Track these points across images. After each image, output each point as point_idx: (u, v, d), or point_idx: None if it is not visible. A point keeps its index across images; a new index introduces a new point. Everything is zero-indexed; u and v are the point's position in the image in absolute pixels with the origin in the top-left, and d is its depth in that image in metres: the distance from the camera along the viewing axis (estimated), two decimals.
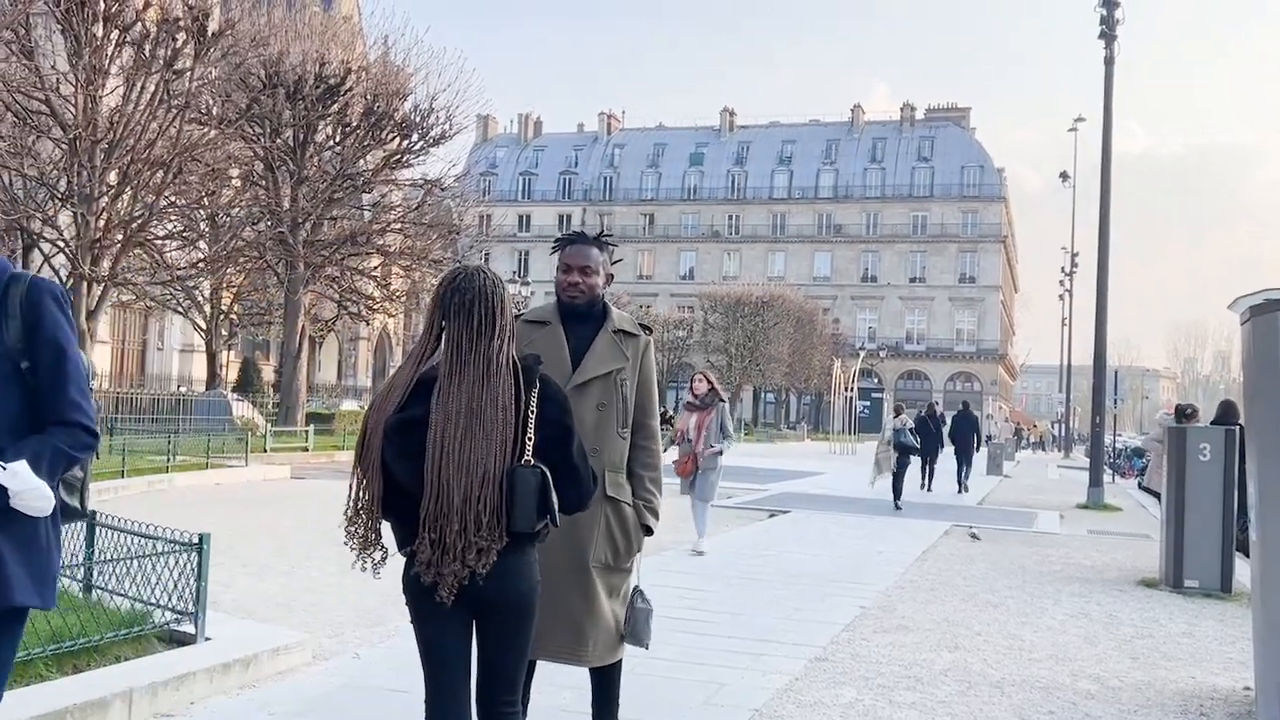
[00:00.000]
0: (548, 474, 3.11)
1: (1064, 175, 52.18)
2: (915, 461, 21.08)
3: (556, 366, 3.89)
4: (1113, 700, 6.08)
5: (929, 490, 23.17)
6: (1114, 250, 22.62)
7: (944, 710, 5.66)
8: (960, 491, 23.32)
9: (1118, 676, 6.67)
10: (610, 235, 4.32)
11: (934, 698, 5.90)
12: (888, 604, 8.83)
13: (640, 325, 4.28)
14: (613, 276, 4.26)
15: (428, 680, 3.22)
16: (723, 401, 12.04)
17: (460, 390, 3.12)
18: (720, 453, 11.83)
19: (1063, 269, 60.47)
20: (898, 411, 20.99)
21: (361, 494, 3.23)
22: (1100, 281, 22.47)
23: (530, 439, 3.13)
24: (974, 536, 14.62)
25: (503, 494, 3.08)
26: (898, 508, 18.42)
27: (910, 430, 20.13)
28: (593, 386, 4.07)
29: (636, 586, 4.18)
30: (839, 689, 5.97)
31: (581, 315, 4.15)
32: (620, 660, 4.21)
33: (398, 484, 3.16)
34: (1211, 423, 12.03)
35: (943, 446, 25.42)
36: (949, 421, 26.64)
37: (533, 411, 3.15)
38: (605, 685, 4.24)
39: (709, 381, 12.07)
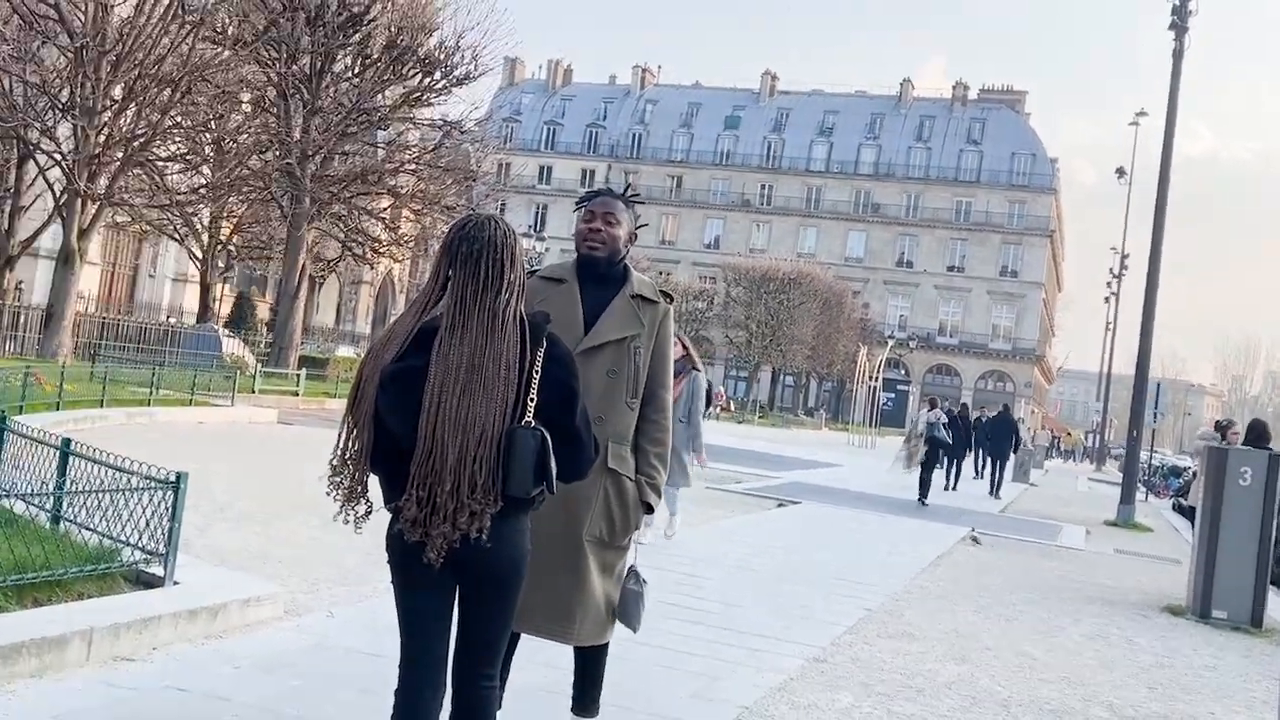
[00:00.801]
0: (548, 437, 3.08)
1: (1120, 171, 51.74)
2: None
3: (568, 327, 3.86)
4: None
5: (954, 490, 23.63)
6: (1167, 255, 22.45)
7: None
8: (993, 494, 24.01)
9: (1133, 706, 6.64)
10: (638, 194, 4.28)
11: (935, 711, 5.88)
12: (895, 609, 8.81)
13: (661, 292, 4.24)
14: (636, 236, 4.22)
15: (404, 645, 3.21)
16: (697, 371, 10.41)
17: (462, 343, 3.09)
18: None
19: (1111, 270, 60.14)
20: (932, 405, 21.60)
21: (350, 443, 3.21)
22: (1150, 286, 22.31)
23: (533, 400, 3.09)
24: (975, 540, 14.70)
25: (500, 455, 3.05)
26: (923, 503, 18.89)
27: (944, 425, 20.87)
28: (604, 351, 4.03)
29: (632, 566, 4.16)
30: (836, 693, 5.96)
31: (600, 276, 4.11)
32: (607, 643, 4.20)
33: (389, 436, 3.14)
34: (1242, 443, 11.94)
35: (971, 448, 25.96)
36: (980, 423, 27.26)
37: (537, 371, 3.12)
38: (589, 667, 4.23)
39: (683, 346, 10.02)
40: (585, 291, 4.09)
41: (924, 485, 19.60)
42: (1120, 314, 57.27)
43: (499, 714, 4.01)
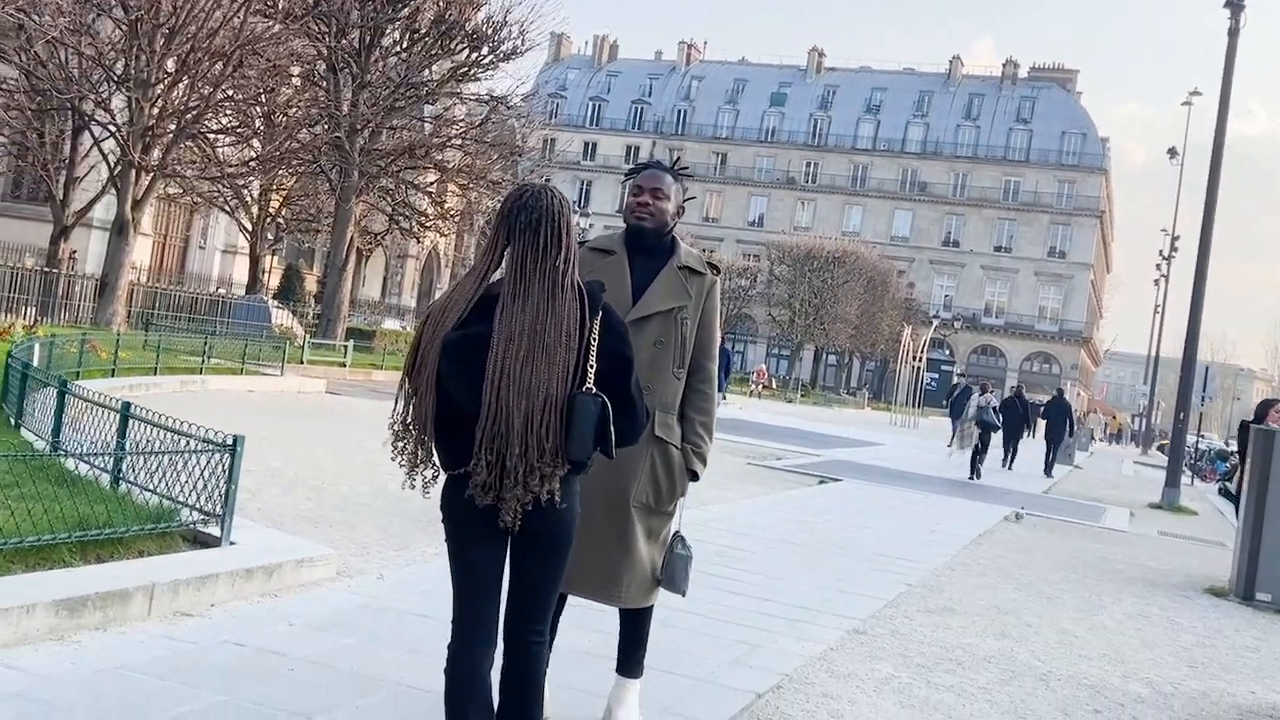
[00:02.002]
0: (608, 403, 3.17)
1: (1172, 152, 51.06)
2: (993, 440, 22.87)
3: (617, 298, 3.93)
4: (1164, 706, 6.08)
5: (1010, 469, 24.78)
6: (1219, 238, 22.18)
7: (984, 696, 5.70)
8: (1047, 474, 25.31)
9: (1172, 683, 6.66)
10: (686, 167, 4.34)
11: (974, 683, 5.93)
12: (935, 584, 8.85)
13: (708, 264, 4.30)
14: (684, 209, 4.28)
15: (458, 602, 3.31)
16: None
17: (524, 311, 3.17)
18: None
19: (1161, 252, 59.43)
20: (984, 389, 23.62)
21: (411, 410, 3.30)
22: (1199, 268, 22.06)
23: (593, 366, 3.18)
24: (1018, 516, 14.87)
25: (563, 420, 3.13)
26: (975, 479, 20.56)
27: (994, 409, 22.65)
28: (652, 322, 4.11)
29: (677, 532, 4.24)
30: (875, 663, 6.03)
31: (649, 248, 4.18)
32: (652, 606, 4.29)
33: (451, 402, 3.22)
34: (1250, 423, 11.81)
35: (1029, 428, 27.71)
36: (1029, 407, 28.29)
37: (594, 339, 3.20)
38: (634, 630, 4.32)
39: None
40: (633, 263, 4.16)
41: (975, 464, 21.16)
42: (1169, 296, 56.60)
43: (546, 673, 4.13)
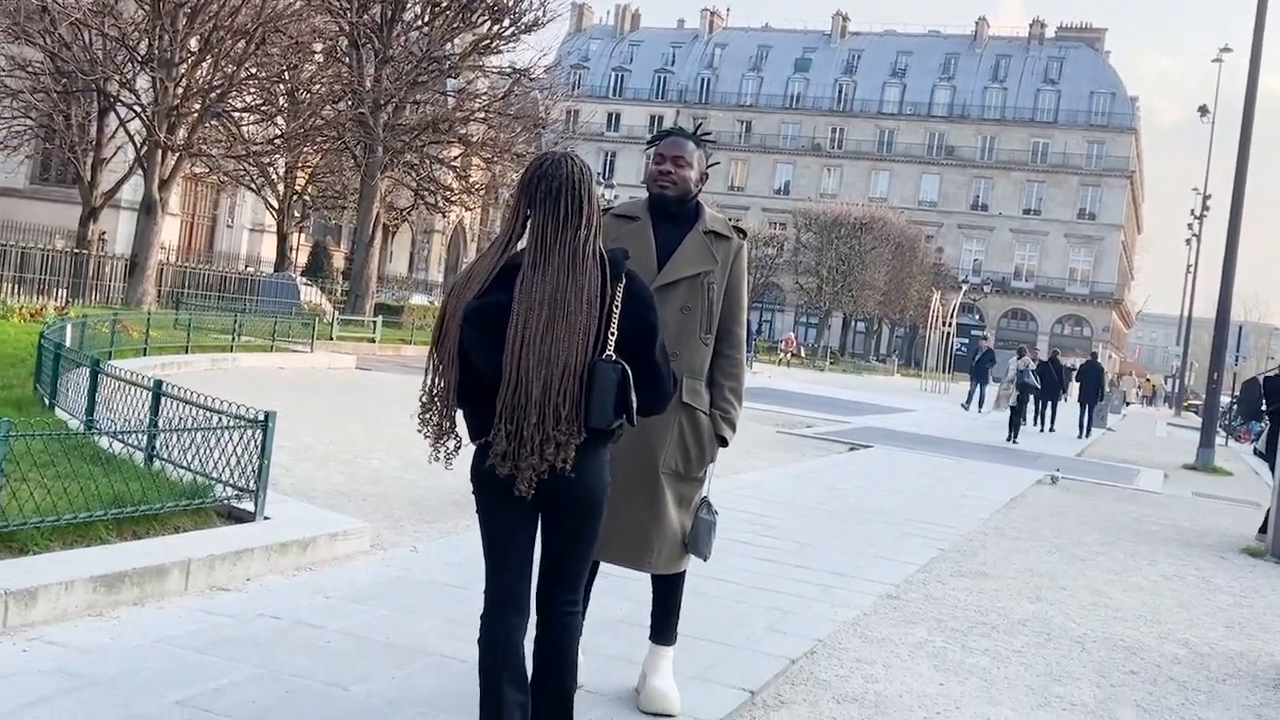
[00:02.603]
0: (628, 371, 3.15)
1: (1203, 109, 50.35)
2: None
3: (642, 264, 3.91)
4: (1201, 667, 6.05)
5: (1052, 431, 25.91)
6: (1252, 195, 21.89)
7: (1018, 659, 5.68)
8: (1082, 436, 25.93)
9: (1209, 644, 6.63)
10: (709, 133, 4.30)
11: (1009, 646, 5.92)
12: (969, 549, 8.83)
13: (735, 228, 4.27)
14: (707, 176, 4.24)
15: (489, 572, 3.32)
16: None
17: (544, 279, 3.16)
18: None
19: (1192, 212, 58.75)
20: (1021, 353, 24.52)
21: (437, 381, 3.30)
22: (1232, 227, 21.79)
23: (613, 334, 3.17)
24: (1053, 479, 14.89)
25: (582, 388, 3.13)
26: (1013, 442, 21.25)
27: (1032, 373, 23.54)
28: (678, 288, 4.09)
29: (705, 497, 4.24)
30: (909, 628, 6.02)
31: (673, 214, 4.16)
32: (683, 572, 4.29)
33: (475, 372, 3.22)
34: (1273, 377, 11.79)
35: (1064, 392, 28.86)
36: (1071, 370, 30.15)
37: (617, 306, 3.19)
38: (666, 596, 4.32)
39: None
40: (658, 229, 4.13)
41: (1014, 426, 22.03)
42: (1202, 256, 56.03)
43: (580, 642, 4.14)
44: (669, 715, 4.16)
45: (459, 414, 3.30)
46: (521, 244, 3.27)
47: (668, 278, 4.08)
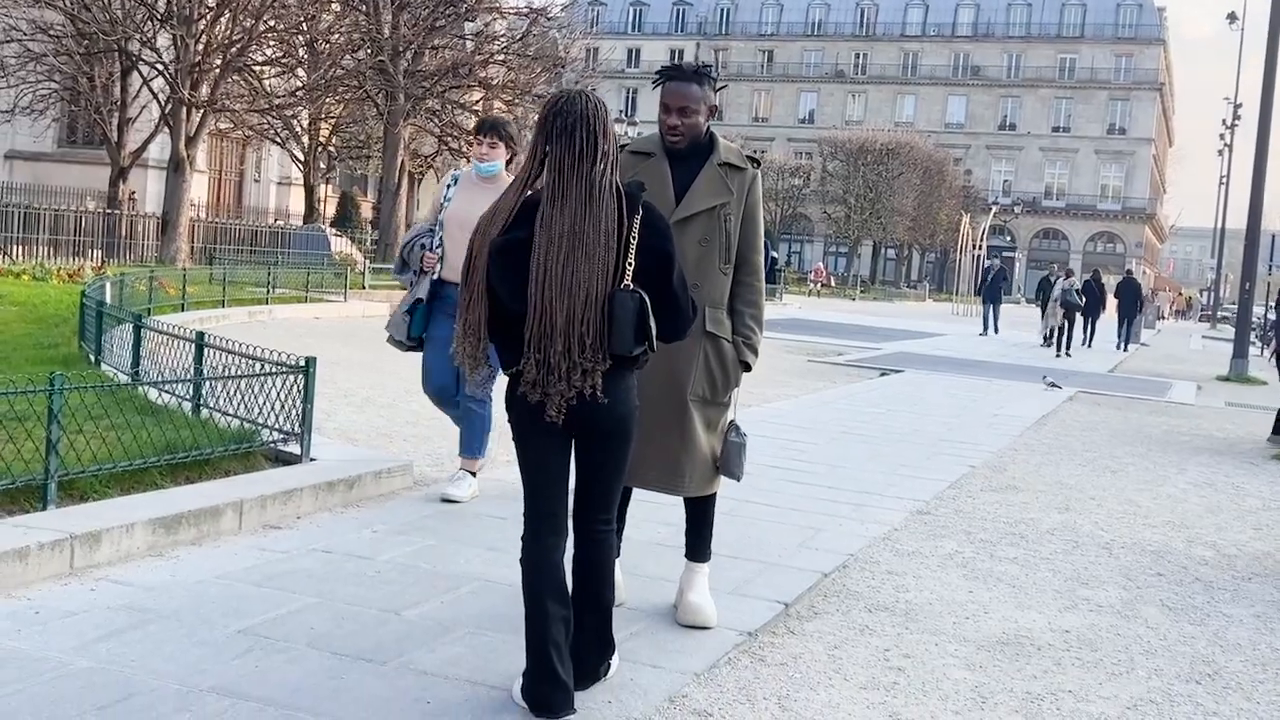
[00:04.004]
0: (646, 299, 3.30)
1: (1231, 16, 49.40)
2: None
3: (660, 199, 4.03)
4: (1227, 567, 6.18)
5: (1090, 346, 27.13)
6: None
7: (1046, 566, 5.83)
8: (1121, 348, 27.92)
9: (1236, 545, 6.75)
10: (708, 67, 4.35)
11: (1038, 554, 6.07)
12: (999, 464, 8.96)
13: (748, 158, 4.37)
14: (716, 109, 4.30)
15: (527, 495, 3.49)
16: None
17: (563, 214, 3.30)
18: None
19: (1224, 121, 57.81)
20: (1067, 274, 26.26)
21: (468, 314, 3.46)
22: (1261, 135, 21.53)
23: (631, 264, 3.30)
24: (1052, 385, 15.65)
25: (604, 316, 3.28)
26: (1067, 354, 23.45)
27: (1076, 291, 25.22)
28: (696, 221, 4.20)
29: (733, 420, 4.38)
30: (939, 540, 6.18)
31: (687, 149, 4.26)
32: (715, 494, 4.45)
33: (502, 305, 3.39)
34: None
35: (1104, 308, 29.73)
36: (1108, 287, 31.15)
37: (634, 237, 3.32)
38: (700, 517, 4.49)
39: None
40: (674, 163, 4.24)
41: (1067, 340, 24.22)
42: (1234, 167, 55.24)
43: (619, 561, 4.33)
44: (705, 627, 4.35)
45: (491, 346, 3.47)
46: (541, 182, 3.41)
47: (685, 211, 4.19)
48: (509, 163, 6.20)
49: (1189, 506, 7.89)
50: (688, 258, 4.09)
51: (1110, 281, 34.71)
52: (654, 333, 3.35)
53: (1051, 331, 25.13)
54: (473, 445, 6.18)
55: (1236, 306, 26.13)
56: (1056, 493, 7.93)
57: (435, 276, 6.00)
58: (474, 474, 6.19)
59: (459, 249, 5.35)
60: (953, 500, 7.34)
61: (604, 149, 3.37)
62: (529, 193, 3.43)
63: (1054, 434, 11.19)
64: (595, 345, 3.30)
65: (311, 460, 6.15)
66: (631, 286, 3.31)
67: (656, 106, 4.34)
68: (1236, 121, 54.16)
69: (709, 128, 4.31)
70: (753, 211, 4.36)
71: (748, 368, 4.38)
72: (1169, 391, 17.37)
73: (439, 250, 6.03)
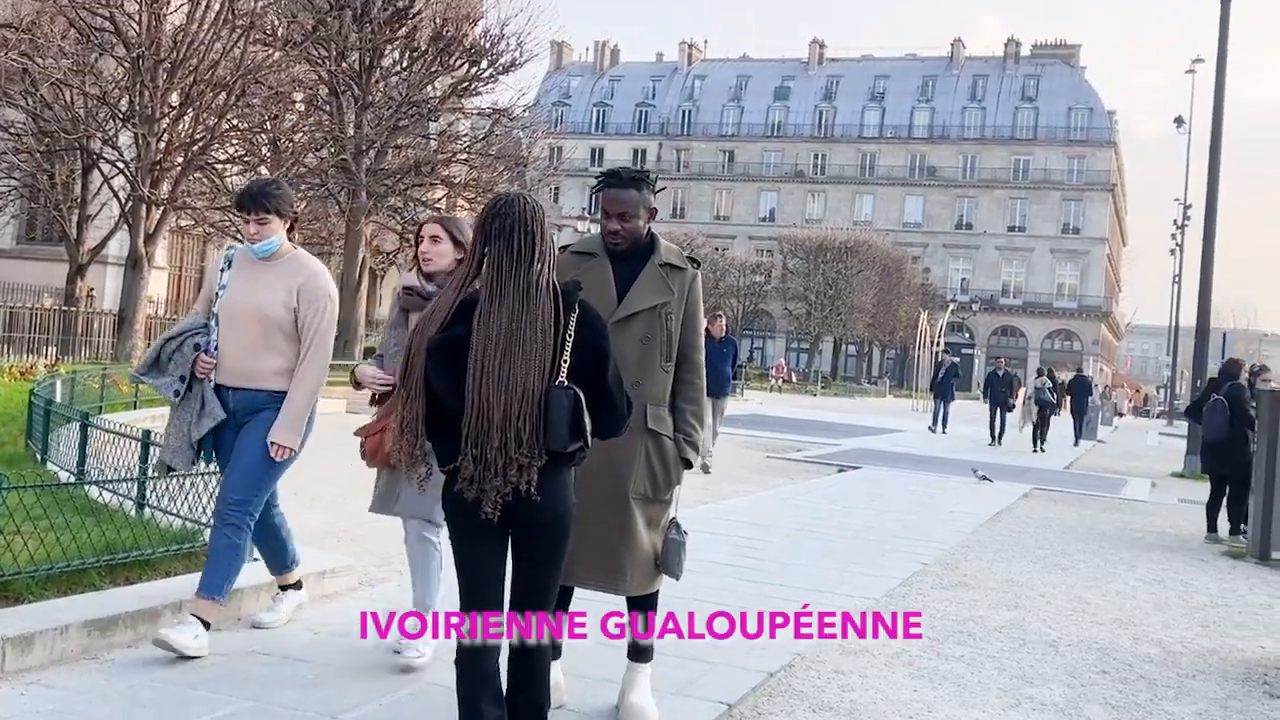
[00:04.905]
0: (580, 395, 3.35)
1: (1179, 120, 50.90)
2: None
3: (602, 299, 4.11)
4: (1172, 665, 6.21)
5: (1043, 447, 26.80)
6: (1240, 205, 22.73)
7: (992, 664, 5.84)
8: (1075, 443, 28.64)
9: (1182, 643, 6.79)
10: (646, 172, 4.46)
11: (984, 652, 6.08)
12: (950, 561, 8.99)
13: (689, 258, 4.47)
14: (655, 210, 4.40)
15: (463, 594, 3.49)
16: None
17: (501, 311, 3.36)
18: None
19: (1175, 222, 59.18)
20: (1039, 373, 28.13)
21: (406, 412, 3.50)
22: (1207, 235, 22.09)
23: (566, 361, 3.36)
24: (984, 478, 15.85)
25: (540, 412, 3.32)
26: (1042, 449, 24.58)
27: (1049, 389, 26.51)
28: (638, 319, 4.28)
29: (674, 518, 4.41)
30: (888, 640, 6.18)
31: (628, 250, 4.36)
32: (657, 592, 4.46)
33: (440, 402, 3.43)
34: (1215, 379, 12.25)
35: (1060, 406, 30.51)
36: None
37: (570, 334, 3.39)
38: (642, 617, 4.48)
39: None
40: (616, 264, 4.33)
41: (1042, 436, 25.43)
42: (1185, 266, 56.43)
43: (559, 663, 4.31)
44: None
45: (428, 443, 3.50)
46: (479, 281, 3.48)
47: (627, 310, 4.27)
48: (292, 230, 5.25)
49: (1137, 603, 7.94)
50: (629, 356, 4.16)
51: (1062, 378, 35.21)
52: (589, 429, 3.40)
53: (1034, 430, 25.78)
54: (282, 561, 5.57)
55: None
56: (1006, 590, 7.96)
57: (213, 383, 5.07)
58: (284, 589, 5.58)
59: (241, 345, 5.00)
60: (903, 597, 7.36)
61: (541, 249, 3.44)
62: (468, 291, 3.49)
63: (1007, 530, 11.26)
64: (532, 441, 3.34)
65: (255, 559, 6.07)
66: (566, 383, 3.36)
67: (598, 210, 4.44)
68: (1186, 222, 55.44)
69: (649, 229, 4.41)
70: (693, 310, 4.44)
71: (689, 464, 4.42)
72: (1123, 488, 17.53)
73: (214, 353, 5.06)
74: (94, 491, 6.74)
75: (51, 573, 5.17)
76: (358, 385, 5.30)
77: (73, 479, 7.08)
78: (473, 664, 3.44)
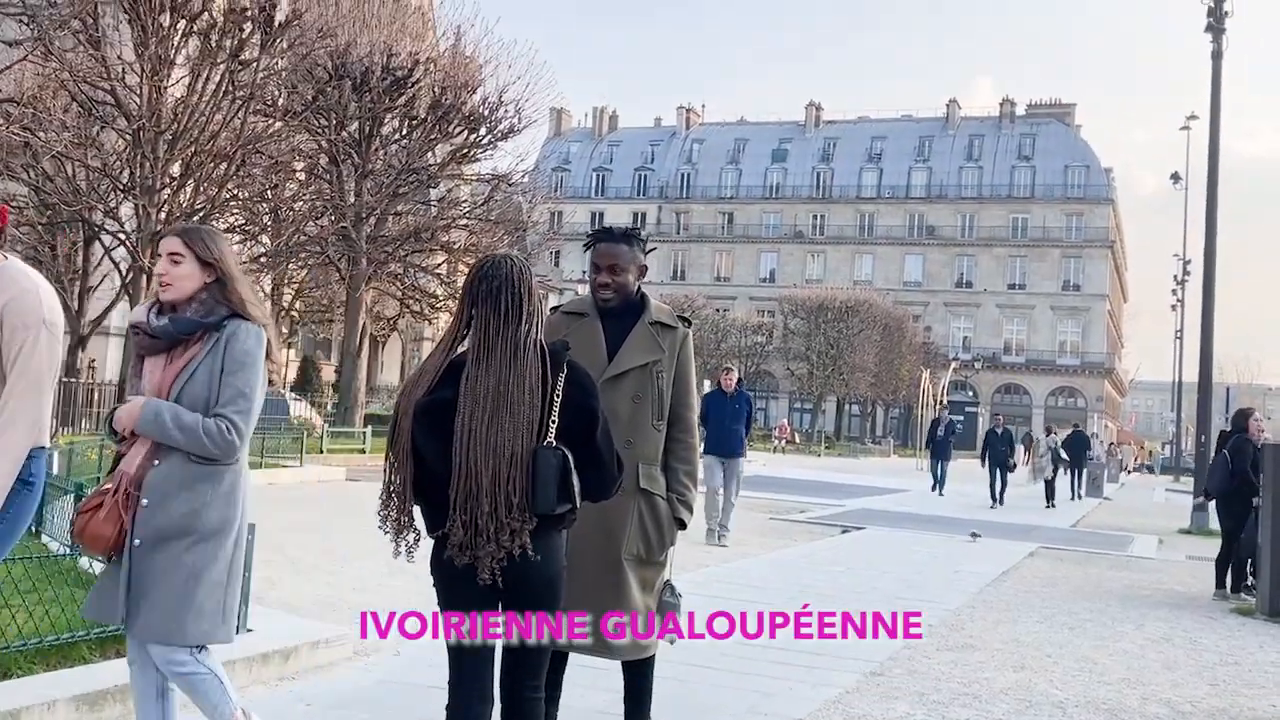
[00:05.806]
0: (569, 456, 3.31)
1: (1175, 177, 51.21)
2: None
3: (593, 358, 4.10)
4: None
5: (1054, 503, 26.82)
6: (1241, 259, 22.78)
7: None
8: (1074, 498, 29.65)
9: (1191, 702, 6.68)
10: (637, 230, 4.48)
11: (990, 715, 5.98)
12: (956, 622, 8.88)
13: (680, 317, 4.46)
14: (646, 268, 4.41)
15: (453, 661, 3.44)
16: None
17: (488, 373, 3.34)
18: None
19: (1175, 277, 59.36)
20: (1049, 431, 29.97)
21: (393, 478, 3.46)
22: (1207, 290, 22.12)
23: (554, 421, 3.33)
24: (974, 535, 15.94)
25: (529, 474, 3.28)
26: (1052, 505, 25.52)
27: (1062, 446, 28.52)
28: (628, 378, 4.26)
29: (668, 580, 4.36)
30: (891, 703, 6.09)
31: (619, 308, 4.35)
32: (653, 657, 4.39)
33: (428, 467, 3.38)
34: (1227, 432, 12.18)
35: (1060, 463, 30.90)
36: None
37: (558, 395, 3.36)
38: (637, 682, 4.42)
39: None
40: (607, 323, 4.32)
41: (1051, 492, 26.29)
42: (1187, 321, 56.47)
43: None
44: None
45: (416, 509, 3.46)
46: (466, 343, 3.46)
47: (618, 368, 4.25)
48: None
49: (1145, 662, 7.83)
50: (621, 414, 4.14)
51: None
52: (577, 490, 3.35)
53: (1047, 485, 26.80)
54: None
55: (1194, 459, 26.38)
56: (1013, 651, 7.86)
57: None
58: None
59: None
60: (907, 660, 7.26)
61: (529, 310, 3.43)
62: (455, 354, 3.47)
63: (1014, 590, 11.14)
64: (522, 505, 3.30)
65: (248, 631, 6.01)
66: (554, 444, 3.33)
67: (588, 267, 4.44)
68: (1186, 277, 55.61)
69: (640, 288, 4.41)
70: (684, 369, 4.42)
71: (683, 525, 4.38)
72: (1130, 545, 17.39)
73: None
74: (85, 563, 6.67)
75: (41, 646, 5.11)
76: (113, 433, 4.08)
77: (65, 551, 7.02)
78: None
